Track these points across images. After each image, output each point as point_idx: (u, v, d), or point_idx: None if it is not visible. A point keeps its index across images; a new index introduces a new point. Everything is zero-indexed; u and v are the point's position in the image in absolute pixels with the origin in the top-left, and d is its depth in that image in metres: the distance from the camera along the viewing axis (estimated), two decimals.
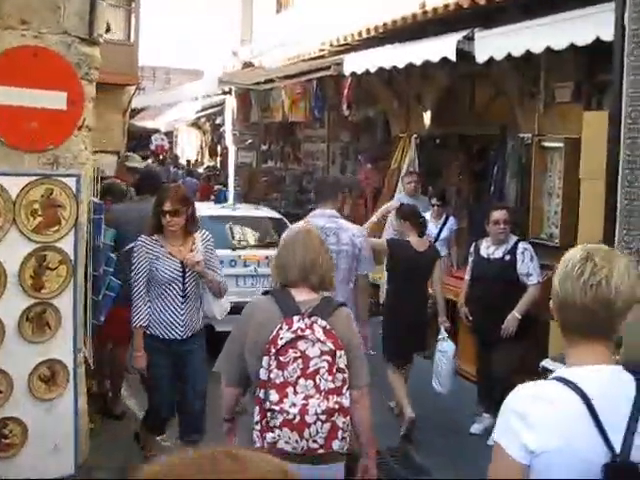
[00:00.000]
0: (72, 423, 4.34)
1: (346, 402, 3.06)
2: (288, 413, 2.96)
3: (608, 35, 4.78)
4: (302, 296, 3.16)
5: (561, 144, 7.19)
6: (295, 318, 3.04)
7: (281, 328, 3.01)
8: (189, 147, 32.36)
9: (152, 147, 30.49)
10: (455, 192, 9.89)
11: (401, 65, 8.22)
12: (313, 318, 3.05)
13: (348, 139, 12.76)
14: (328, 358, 3.02)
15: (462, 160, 9.83)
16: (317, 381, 3.00)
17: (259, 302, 3.24)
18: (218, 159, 26.31)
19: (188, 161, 28.90)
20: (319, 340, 3.01)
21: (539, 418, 1.84)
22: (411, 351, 6.41)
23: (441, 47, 7.50)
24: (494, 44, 6.88)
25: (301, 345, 3.00)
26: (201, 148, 30.82)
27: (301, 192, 13.97)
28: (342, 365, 3.05)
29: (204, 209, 8.24)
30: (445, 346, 6.22)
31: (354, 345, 3.19)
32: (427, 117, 9.87)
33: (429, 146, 10.16)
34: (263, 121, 14.74)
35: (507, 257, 6.14)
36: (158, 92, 18.48)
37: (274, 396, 2.98)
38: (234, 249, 8.36)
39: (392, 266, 6.39)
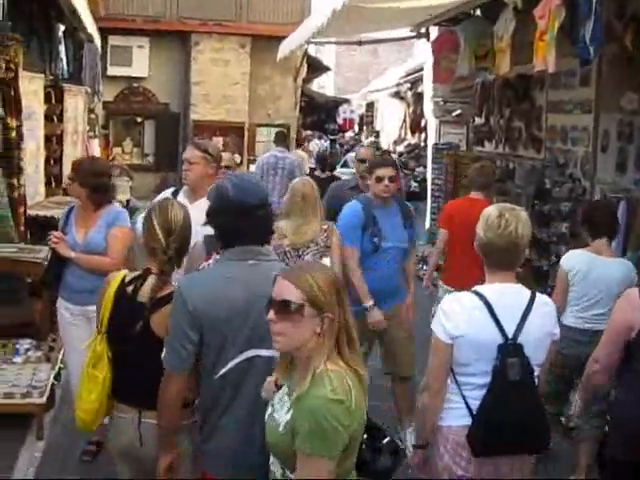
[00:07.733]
0: None
1: None
2: None
3: None
4: None
5: None
6: None
7: None
8: (390, 121, 27.16)
9: (339, 121, 25.94)
10: None
11: None
12: None
13: (635, 106, 6.76)
14: None
15: None
16: None
17: None
18: (422, 136, 21.07)
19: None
20: None
21: (454, 314, 3.04)
22: None
23: None
24: None
25: None
26: (404, 122, 25.60)
27: (542, 199, 7.97)
28: None
29: None
30: None
31: None
32: None
33: None
34: (478, 75, 9.01)
35: None
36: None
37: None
38: None
39: None
